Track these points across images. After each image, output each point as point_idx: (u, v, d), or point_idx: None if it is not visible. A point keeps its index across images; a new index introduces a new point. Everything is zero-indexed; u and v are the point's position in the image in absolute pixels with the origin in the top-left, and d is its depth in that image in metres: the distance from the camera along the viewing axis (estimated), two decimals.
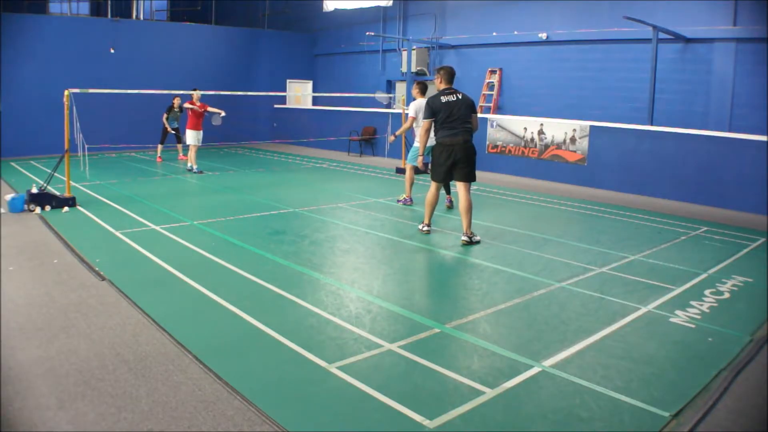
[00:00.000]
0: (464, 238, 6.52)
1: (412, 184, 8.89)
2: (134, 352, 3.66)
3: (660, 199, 10.08)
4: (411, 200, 8.87)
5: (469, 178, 6.49)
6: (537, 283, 5.24)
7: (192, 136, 11.92)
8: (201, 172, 11.96)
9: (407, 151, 12.26)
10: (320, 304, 4.56)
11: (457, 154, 6.37)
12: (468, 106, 6.41)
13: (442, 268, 6.01)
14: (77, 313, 4.31)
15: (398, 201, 8.98)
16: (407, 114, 8.84)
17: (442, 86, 6.53)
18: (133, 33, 16.39)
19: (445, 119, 6.36)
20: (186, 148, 12.84)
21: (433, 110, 6.44)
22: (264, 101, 18.30)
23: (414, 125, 8.51)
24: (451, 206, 8.50)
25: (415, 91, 8.63)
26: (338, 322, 4.20)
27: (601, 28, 12.74)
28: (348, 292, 4.93)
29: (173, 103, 13.58)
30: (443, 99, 6.40)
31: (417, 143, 7.96)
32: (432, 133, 6.68)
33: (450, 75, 6.53)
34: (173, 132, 13.68)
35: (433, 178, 6.69)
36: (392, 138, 7.26)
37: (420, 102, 8.25)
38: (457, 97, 6.41)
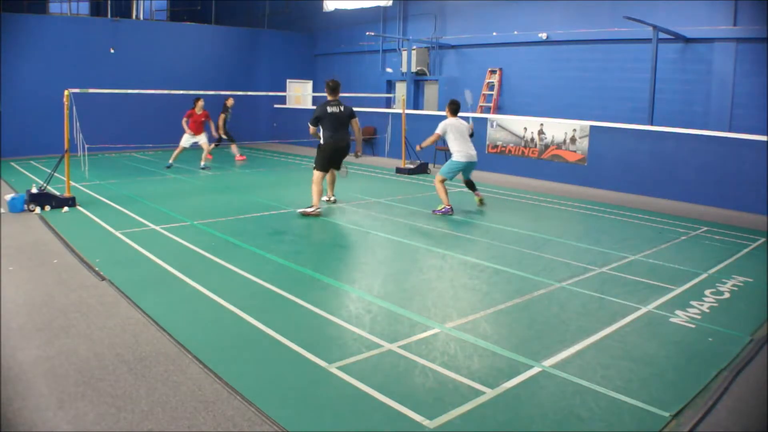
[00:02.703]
0: (332, 197, 8.73)
1: (446, 192, 8.23)
2: (134, 352, 3.66)
3: (660, 199, 10.07)
4: (451, 209, 8.22)
5: (339, 164, 8.35)
6: (537, 283, 5.24)
7: (186, 139, 12.06)
8: (203, 168, 12.20)
9: (407, 152, 12.35)
10: (320, 304, 4.56)
11: (338, 152, 8.02)
12: (348, 116, 7.99)
13: (442, 269, 6.00)
14: (77, 313, 4.31)
15: (434, 212, 8.31)
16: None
17: (330, 98, 7.92)
18: (133, 33, 16.38)
19: (331, 126, 7.85)
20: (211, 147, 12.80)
21: (318, 117, 7.87)
22: (264, 101, 18.30)
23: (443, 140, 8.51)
24: (481, 203, 8.79)
25: (447, 111, 8.53)
26: (338, 322, 4.21)
27: (601, 28, 12.72)
28: (348, 292, 4.93)
29: (226, 104, 13.60)
30: (329, 110, 7.85)
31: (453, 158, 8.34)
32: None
33: (333, 89, 7.95)
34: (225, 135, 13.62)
35: (318, 168, 7.93)
36: (419, 147, 8.75)
37: (449, 120, 8.30)
38: (340, 109, 7.89)
